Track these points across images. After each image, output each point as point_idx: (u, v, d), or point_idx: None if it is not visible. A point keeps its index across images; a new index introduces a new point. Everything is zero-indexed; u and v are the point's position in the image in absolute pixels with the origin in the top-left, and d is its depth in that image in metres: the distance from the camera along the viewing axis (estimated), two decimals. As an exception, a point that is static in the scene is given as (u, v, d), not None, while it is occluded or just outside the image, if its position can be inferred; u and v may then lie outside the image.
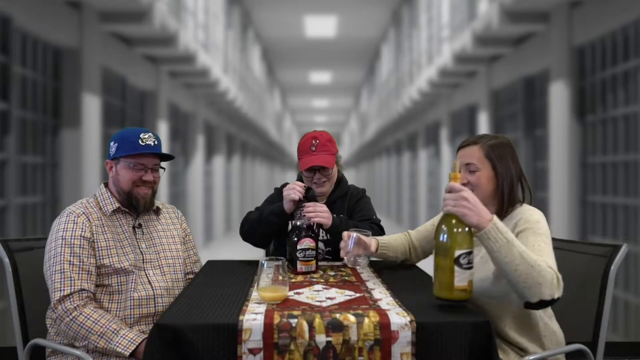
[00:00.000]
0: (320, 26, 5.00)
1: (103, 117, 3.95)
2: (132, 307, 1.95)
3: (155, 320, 1.83)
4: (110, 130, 4.01)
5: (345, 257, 1.96)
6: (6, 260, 2.01)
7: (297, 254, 2.04)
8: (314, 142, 2.37)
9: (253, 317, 1.49)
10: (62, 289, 1.84)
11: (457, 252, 1.54)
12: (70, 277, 1.86)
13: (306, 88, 6.11)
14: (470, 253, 1.55)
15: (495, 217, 1.60)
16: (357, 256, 1.93)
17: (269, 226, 2.27)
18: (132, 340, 1.80)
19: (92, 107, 3.86)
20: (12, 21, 3.45)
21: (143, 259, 2.04)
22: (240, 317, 1.49)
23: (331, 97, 6.54)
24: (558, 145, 3.96)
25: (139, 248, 2.04)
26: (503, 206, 1.83)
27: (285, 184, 2.53)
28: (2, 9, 3.43)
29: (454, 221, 1.57)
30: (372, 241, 2.09)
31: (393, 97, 6.01)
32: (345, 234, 1.98)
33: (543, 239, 1.71)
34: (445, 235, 1.57)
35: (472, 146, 1.85)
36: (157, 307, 2.00)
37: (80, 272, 1.88)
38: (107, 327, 1.82)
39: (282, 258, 1.68)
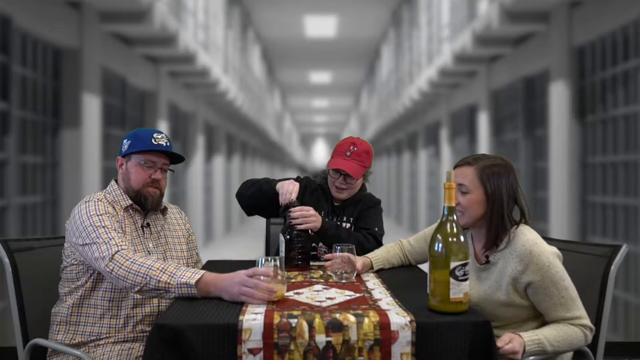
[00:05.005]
0: (320, 26, 4.99)
1: (103, 117, 3.96)
2: (134, 306, 1.95)
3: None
4: (110, 130, 4.01)
5: (331, 273, 1.97)
6: (6, 260, 2.01)
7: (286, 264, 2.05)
8: (351, 147, 2.33)
9: (253, 317, 1.49)
10: (109, 249, 1.81)
11: (453, 264, 1.53)
12: (111, 237, 1.84)
13: (306, 88, 6.11)
14: (465, 265, 1.54)
15: (525, 340, 1.65)
16: (343, 272, 1.94)
17: (258, 192, 2.32)
18: (195, 271, 1.74)
19: (92, 107, 3.86)
20: (12, 21, 3.45)
21: (150, 259, 2.04)
22: (240, 317, 1.49)
23: (331, 97, 6.53)
24: (558, 145, 3.96)
25: (147, 247, 2.04)
26: (491, 229, 1.78)
27: (296, 178, 2.45)
28: (2, 9, 3.42)
29: (449, 230, 1.56)
30: (365, 260, 2.12)
31: (393, 97, 6.01)
32: (330, 255, 2.00)
33: (564, 284, 1.71)
34: (440, 245, 1.55)
35: (467, 167, 1.79)
36: (160, 307, 2.00)
37: (118, 233, 1.88)
38: (167, 265, 1.77)
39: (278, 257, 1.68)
